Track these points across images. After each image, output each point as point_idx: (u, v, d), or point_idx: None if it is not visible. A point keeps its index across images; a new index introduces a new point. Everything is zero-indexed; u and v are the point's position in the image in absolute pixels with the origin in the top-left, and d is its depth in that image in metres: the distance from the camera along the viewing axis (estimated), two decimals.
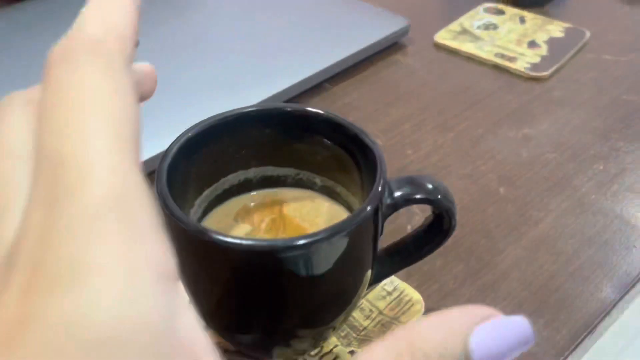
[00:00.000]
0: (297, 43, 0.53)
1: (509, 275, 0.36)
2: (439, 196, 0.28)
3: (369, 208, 0.24)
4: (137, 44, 0.17)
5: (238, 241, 0.22)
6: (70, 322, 0.12)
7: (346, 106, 0.49)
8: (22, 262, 0.13)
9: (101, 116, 0.14)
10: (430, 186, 0.28)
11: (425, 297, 0.34)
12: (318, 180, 0.31)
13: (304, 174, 0.31)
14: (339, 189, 0.31)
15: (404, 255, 0.31)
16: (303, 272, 0.24)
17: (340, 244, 0.24)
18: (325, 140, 0.29)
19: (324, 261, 0.24)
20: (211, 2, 0.59)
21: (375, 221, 0.26)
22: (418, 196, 0.27)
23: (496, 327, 0.16)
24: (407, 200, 0.27)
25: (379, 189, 0.25)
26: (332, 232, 0.23)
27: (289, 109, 0.29)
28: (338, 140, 0.29)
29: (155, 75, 0.20)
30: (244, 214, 0.31)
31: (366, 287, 0.29)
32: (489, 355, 0.16)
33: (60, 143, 0.13)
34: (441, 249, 0.30)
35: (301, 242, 0.23)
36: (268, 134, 0.30)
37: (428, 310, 0.34)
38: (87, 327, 0.12)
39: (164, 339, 0.12)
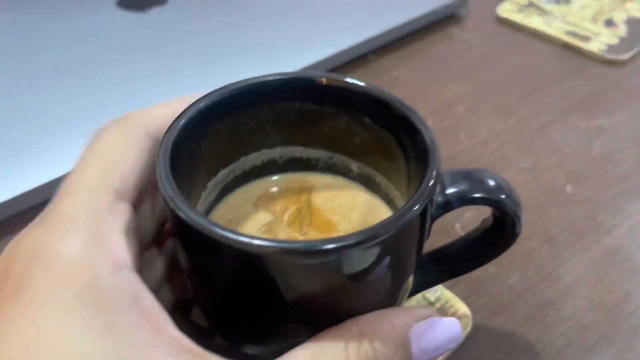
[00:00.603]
0: (342, 8, 0.48)
1: (574, 291, 0.31)
2: (503, 196, 0.23)
3: (416, 208, 0.19)
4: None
5: (247, 240, 0.18)
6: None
7: (392, 81, 0.44)
8: None
9: (95, 160, 0.20)
10: (492, 183, 0.23)
11: (474, 311, 0.29)
12: (354, 166, 0.26)
13: (338, 158, 0.26)
14: (379, 178, 0.25)
15: (453, 263, 0.26)
16: (328, 281, 0.19)
17: (377, 252, 0.19)
18: (366, 119, 0.24)
19: (354, 271, 0.19)
20: None
21: (422, 224, 0.21)
22: (477, 195, 0.22)
23: (432, 325, 0.20)
24: (462, 200, 0.22)
25: (430, 184, 0.20)
26: (368, 236, 0.18)
27: (323, 79, 0.24)
28: (382, 120, 0.24)
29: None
30: (266, 200, 0.26)
31: (405, 298, 0.24)
32: (424, 347, 0.19)
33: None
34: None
35: (327, 246, 0.18)
36: (298, 108, 0.24)
37: (476, 326, 0.28)
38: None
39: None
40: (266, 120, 0.25)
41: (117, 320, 0.16)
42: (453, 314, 0.29)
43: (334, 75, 0.24)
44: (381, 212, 0.25)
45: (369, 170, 0.26)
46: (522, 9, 0.50)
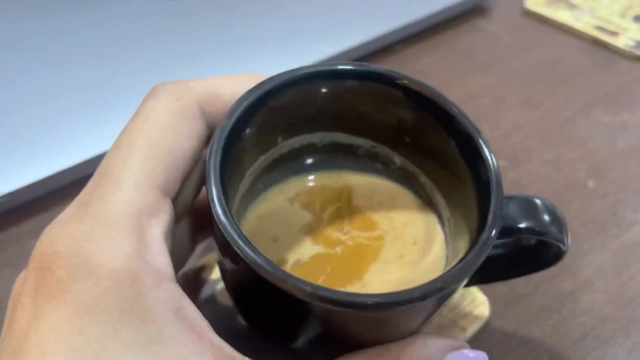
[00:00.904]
0: (369, 1, 0.48)
1: (592, 284, 0.31)
2: (554, 230, 0.22)
3: (478, 261, 0.19)
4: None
5: (309, 289, 0.17)
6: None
7: (417, 72, 0.44)
8: None
9: (144, 142, 0.19)
10: (546, 215, 0.22)
11: (492, 301, 0.29)
12: (397, 159, 0.25)
13: (381, 149, 0.25)
14: (423, 179, 0.25)
15: (487, 273, 0.24)
16: (378, 321, 0.19)
17: (434, 301, 0.19)
18: (424, 119, 0.23)
19: (406, 315, 0.20)
20: None
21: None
22: (524, 226, 0.21)
23: (464, 357, 0.20)
24: (511, 233, 0.21)
25: (493, 232, 0.19)
26: (432, 289, 0.18)
27: (399, 79, 0.23)
28: (440, 125, 0.23)
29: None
30: (304, 197, 0.25)
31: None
32: None
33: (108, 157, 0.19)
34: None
35: (395, 300, 0.18)
36: (349, 100, 0.24)
37: (494, 315, 0.29)
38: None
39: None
40: (312, 107, 0.24)
41: (161, 333, 0.16)
42: (471, 302, 0.29)
43: (408, 77, 0.23)
44: (422, 212, 0.25)
45: (413, 168, 0.25)
46: (550, 2, 0.50)
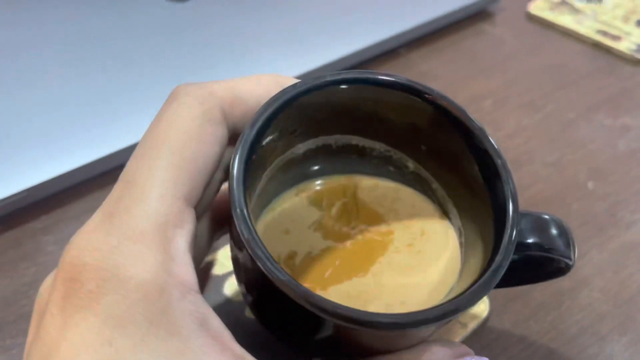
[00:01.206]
0: (375, 1, 0.49)
1: (590, 282, 0.32)
2: (563, 248, 0.23)
3: (493, 283, 0.20)
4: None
5: (331, 307, 0.18)
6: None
7: (422, 75, 0.45)
8: None
9: (168, 151, 0.19)
10: (554, 232, 0.23)
11: (491, 298, 0.30)
12: (411, 164, 0.26)
13: (396, 153, 0.26)
14: (436, 185, 0.26)
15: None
16: (391, 338, 0.20)
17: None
18: (442, 130, 0.24)
19: (417, 331, 0.20)
20: None
21: None
22: (533, 241, 0.22)
23: None
24: (521, 247, 0.22)
25: (509, 255, 0.20)
26: (444, 312, 0.19)
27: (423, 91, 0.23)
28: (459, 139, 0.23)
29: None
30: (313, 196, 0.26)
31: None
32: None
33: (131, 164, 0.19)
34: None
35: (411, 320, 0.19)
36: (370, 108, 0.24)
37: (493, 312, 0.30)
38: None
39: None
40: (337, 115, 0.24)
41: (187, 345, 0.17)
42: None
43: (433, 90, 0.23)
44: (433, 213, 0.26)
45: (427, 175, 0.26)
46: (553, 6, 0.51)
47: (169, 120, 0.19)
